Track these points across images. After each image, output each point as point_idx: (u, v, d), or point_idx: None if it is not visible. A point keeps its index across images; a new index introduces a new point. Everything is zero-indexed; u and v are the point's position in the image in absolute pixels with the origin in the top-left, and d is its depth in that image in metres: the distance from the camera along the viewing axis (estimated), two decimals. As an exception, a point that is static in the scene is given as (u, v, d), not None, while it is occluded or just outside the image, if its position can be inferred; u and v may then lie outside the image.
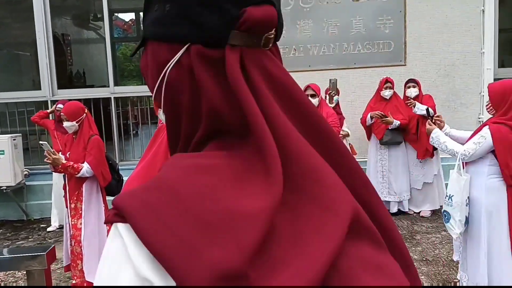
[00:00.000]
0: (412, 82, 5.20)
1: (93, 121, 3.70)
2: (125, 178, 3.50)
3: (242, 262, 0.41)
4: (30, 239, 5.27)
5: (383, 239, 0.50)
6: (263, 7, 0.52)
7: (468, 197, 2.96)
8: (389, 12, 5.84)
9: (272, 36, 0.54)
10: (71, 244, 3.50)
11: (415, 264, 3.46)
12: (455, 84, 5.89)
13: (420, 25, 5.83)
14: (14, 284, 4.02)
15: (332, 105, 4.86)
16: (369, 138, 5.34)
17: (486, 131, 2.85)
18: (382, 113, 4.99)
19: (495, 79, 5.45)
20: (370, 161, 5.32)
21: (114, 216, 0.45)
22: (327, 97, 4.99)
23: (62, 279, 4.01)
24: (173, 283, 0.41)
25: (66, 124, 3.52)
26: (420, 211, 5.30)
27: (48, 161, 3.36)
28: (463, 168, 2.97)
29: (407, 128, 5.10)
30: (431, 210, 5.25)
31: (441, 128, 3.26)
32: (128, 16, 11.71)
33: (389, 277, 0.48)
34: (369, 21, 5.86)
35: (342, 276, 0.45)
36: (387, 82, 5.16)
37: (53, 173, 4.05)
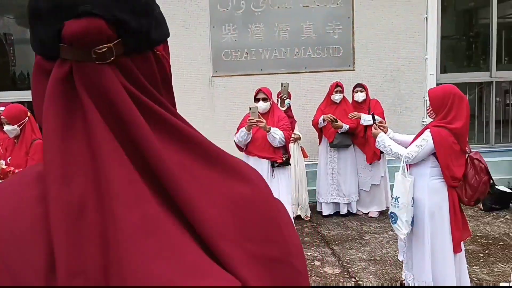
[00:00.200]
0: (359, 86, 5.35)
1: (37, 125, 3.54)
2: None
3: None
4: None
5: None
6: (82, 20, 0.50)
7: (413, 198, 3.07)
8: (338, 18, 5.99)
9: (105, 49, 0.51)
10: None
11: (363, 263, 3.56)
12: (401, 88, 6.12)
13: (368, 32, 6.01)
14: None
15: (284, 109, 4.92)
16: (320, 141, 5.44)
17: (427, 134, 2.97)
18: (334, 117, 5.09)
19: (437, 84, 5.71)
20: (321, 163, 5.42)
21: None
22: (279, 100, 5.04)
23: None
24: None
25: (6, 128, 3.35)
26: (368, 212, 5.45)
27: (-14, 167, 3.18)
28: (407, 170, 3.09)
29: (355, 131, 5.24)
30: (378, 211, 5.42)
31: (385, 132, 3.37)
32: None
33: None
34: (319, 27, 5.97)
35: None
36: (337, 86, 5.27)
37: (-8, 180, 3.83)
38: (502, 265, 4.00)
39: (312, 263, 4.18)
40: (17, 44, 9.32)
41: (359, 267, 4.06)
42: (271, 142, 4.24)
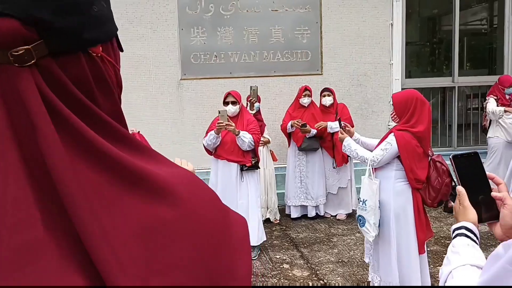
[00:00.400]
0: (327, 91, 5.42)
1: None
2: None
3: None
4: None
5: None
6: None
7: (379, 201, 3.13)
8: (306, 23, 6.05)
9: (22, 52, 0.48)
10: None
11: (331, 266, 3.59)
12: (367, 93, 6.24)
13: (335, 37, 6.10)
14: None
15: (253, 112, 4.92)
16: (289, 144, 5.47)
17: (391, 138, 3.04)
18: (302, 122, 5.13)
19: (402, 89, 5.85)
20: (289, 167, 5.46)
21: None
22: (248, 104, 5.05)
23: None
24: None
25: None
26: (336, 214, 5.52)
27: None
28: (373, 173, 3.14)
29: (323, 135, 5.30)
30: (346, 214, 5.50)
31: (351, 135, 3.43)
32: None
33: None
34: (288, 31, 6.02)
35: None
36: (306, 90, 5.32)
37: None
38: (464, 265, 4.12)
39: (281, 266, 4.19)
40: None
41: (327, 269, 4.10)
42: (240, 146, 4.23)
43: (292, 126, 5.21)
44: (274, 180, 5.42)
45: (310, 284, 3.84)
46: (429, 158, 3.10)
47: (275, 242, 4.81)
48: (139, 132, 3.52)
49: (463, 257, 1.00)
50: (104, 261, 0.44)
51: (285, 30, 6.02)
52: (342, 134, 3.37)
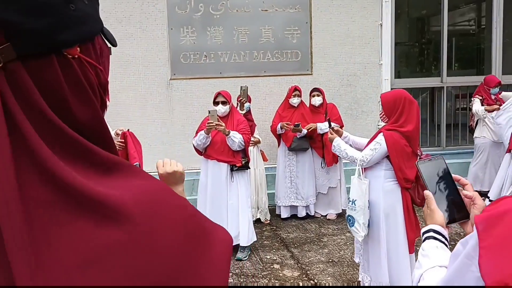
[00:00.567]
0: (316, 91, 5.43)
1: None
2: None
3: None
4: None
5: None
6: None
7: (369, 201, 3.14)
8: (296, 23, 6.06)
9: None
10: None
11: (322, 265, 3.59)
12: (357, 93, 6.26)
13: (325, 37, 6.11)
14: None
15: (243, 112, 4.91)
16: (279, 144, 5.47)
17: (380, 138, 3.05)
18: (292, 126, 5.13)
19: (392, 89, 5.88)
20: (279, 167, 5.46)
21: None
22: (238, 104, 5.03)
23: None
24: None
25: None
26: (326, 214, 5.53)
27: None
28: (363, 173, 3.15)
29: (313, 135, 5.31)
30: (336, 214, 5.51)
31: (340, 135, 3.43)
32: None
33: None
34: (278, 31, 6.02)
35: None
36: (295, 91, 5.32)
37: None
38: (453, 264, 4.15)
39: (272, 267, 4.19)
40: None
41: (318, 269, 4.11)
42: (230, 146, 4.22)
43: (281, 128, 5.21)
44: (265, 180, 5.42)
45: (301, 284, 3.84)
46: (418, 157, 3.12)
47: (265, 242, 4.80)
48: (128, 130, 3.49)
49: (432, 259, 1.04)
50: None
51: (275, 30, 6.01)
52: (331, 134, 3.38)
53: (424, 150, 3.51)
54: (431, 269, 1.03)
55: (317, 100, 5.36)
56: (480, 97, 5.78)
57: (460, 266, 0.79)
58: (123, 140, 3.31)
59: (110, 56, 0.65)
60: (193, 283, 0.50)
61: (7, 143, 0.45)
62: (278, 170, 5.47)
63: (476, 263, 0.74)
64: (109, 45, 0.65)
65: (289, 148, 5.27)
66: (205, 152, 4.38)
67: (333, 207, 5.52)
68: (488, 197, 4.87)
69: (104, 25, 0.61)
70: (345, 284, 3.80)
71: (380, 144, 3.03)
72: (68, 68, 0.52)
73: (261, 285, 3.85)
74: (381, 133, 3.07)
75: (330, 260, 4.28)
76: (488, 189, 5.27)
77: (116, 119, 5.30)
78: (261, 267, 4.19)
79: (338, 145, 3.28)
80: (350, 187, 3.28)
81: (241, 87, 5.04)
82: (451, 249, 0.95)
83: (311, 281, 3.88)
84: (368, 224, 3.16)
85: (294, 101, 5.31)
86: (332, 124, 3.63)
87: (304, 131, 5.17)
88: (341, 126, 5.12)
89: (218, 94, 4.40)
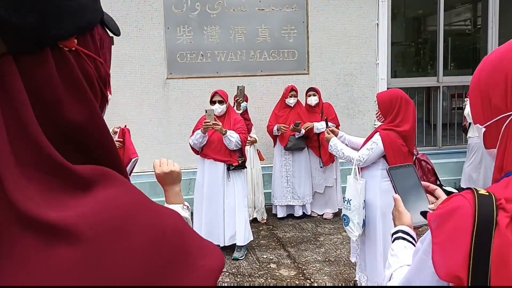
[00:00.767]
0: (312, 90, 5.43)
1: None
2: None
3: None
4: None
5: None
6: None
7: (364, 200, 3.14)
8: (293, 23, 6.06)
9: None
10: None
11: (318, 265, 3.59)
12: (353, 92, 6.27)
13: (321, 36, 6.12)
14: None
15: (240, 112, 4.91)
16: (275, 143, 5.47)
17: (377, 137, 3.05)
18: (288, 128, 5.13)
19: (388, 88, 5.89)
20: (275, 166, 5.46)
21: None
22: (235, 103, 5.03)
23: None
24: None
25: None
26: (323, 214, 5.53)
27: None
28: (359, 173, 3.15)
29: (309, 135, 5.31)
30: (333, 213, 5.52)
31: (336, 135, 3.44)
32: None
33: None
34: (275, 31, 6.02)
35: None
36: (292, 91, 5.32)
37: None
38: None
39: (268, 266, 4.19)
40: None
41: (314, 268, 4.11)
42: (227, 145, 4.22)
43: (278, 130, 5.21)
44: (261, 180, 5.42)
45: (297, 284, 3.85)
46: (414, 157, 3.13)
47: (262, 241, 4.80)
48: (125, 126, 3.49)
49: (401, 258, 1.09)
50: None
51: (272, 29, 6.01)
52: (328, 134, 3.38)
53: (420, 150, 3.52)
54: (400, 268, 1.07)
55: (313, 100, 5.37)
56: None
57: (419, 262, 0.83)
58: (122, 140, 3.31)
59: (112, 46, 0.61)
60: None
61: None
62: (275, 170, 5.47)
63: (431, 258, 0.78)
64: (111, 34, 0.61)
65: (285, 147, 5.28)
66: (201, 151, 4.37)
67: (330, 207, 5.53)
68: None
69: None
70: (342, 284, 3.81)
71: (377, 144, 3.03)
72: (64, 62, 0.48)
73: (258, 284, 3.85)
74: (378, 133, 3.07)
75: (327, 260, 4.29)
76: (483, 189, 5.28)
77: (112, 118, 5.28)
78: (257, 266, 4.19)
79: (335, 145, 3.29)
80: (345, 186, 3.29)
81: (238, 86, 5.04)
82: None
83: (308, 281, 3.89)
84: (364, 224, 3.17)
85: (291, 101, 5.31)
86: (329, 123, 3.63)
87: (303, 131, 5.17)
88: (337, 126, 5.13)
89: (215, 93, 4.40)
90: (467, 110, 5.76)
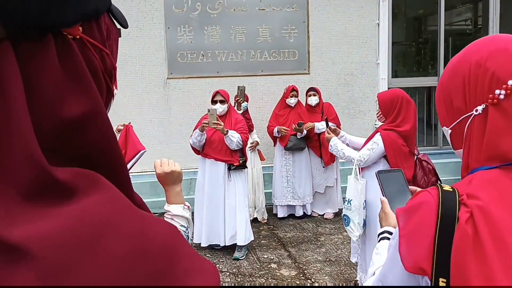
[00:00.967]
0: (312, 90, 5.43)
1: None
2: None
3: None
4: None
5: None
6: None
7: (365, 201, 3.14)
8: (294, 22, 6.05)
9: None
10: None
11: (319, 265, 3.58)
12: (354, 92, 6.26)
13: (322, 36, 6.11)
14: None
15: (240, 112, 4.91)
16: (275, 144, 5.47)
17: (378, 137, 3.05)
18: (288, 130, 5.13)
19: (389, 88, 5.89)
20: (276, 166, 5.45)
21: None
22: (236, 103, 5.03)
23: None
24: None
25: None
26: (324, 214, 5.53)
27: None
28: (360, 173, 3.15)
29: (310, 135, 5.31)
30: (333, 213, 5.51)
31: (337, 134, 3.43)
32: None
33: None
34: (275, 30, 6.01)
35: None
36: (293, 91, 5.32)
37: None
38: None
39: (269, 266, 4.19)
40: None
41: (315, 268, 4.11)
42: (229, 145, 4.22)
43: (278, 132, 5.21)
44: (262, 180, 5.42)
45: (298, 284, 3.84)
46: (415, 157, 3.12)
47: (262, 241, 4.80)
48: (129, 123, 3.49)
49: (384, 257, 1.12)
50: None
51: (273, 29, 6.01)
52: (328, 134, 3.38)
53: (421, 150, 3.51)
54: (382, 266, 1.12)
55: (313, 100, 5.36)
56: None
57: (391, 257, 0.86)
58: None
59: (120, 39, 0.57)
60: None
61: None
62: (275, 170, 5.46)
63: None
64: (118, 26, 0.57)
65: (285, 147, 5.27)
66: (202, 150, 4.37)
67: (331, 206, 5.52)
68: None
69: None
70: (342, 284, 3.81)
71: (378, 144, 3.03)
72: (67, 51, 0.44)
73: (258, 284, 3.85)
74: (378, 133, 3.07)
75: (327, 259, 4.28)
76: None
77: (112, 118, 5.22)
78: (258, 266, 4.19)
79: (335, 144, 3.28)
80: (346, 186, 3.29)
81: (238, 86, 5.04)
82: None
83: (308, 281, 3.88)
84: (365, 224, 3.17)
85: (291, 101, 5.31)
86: (329, 123, 3.63)
87: (304, 131, 5.17)
88: (338, 126, 5.12)
89: (217, 93, 4.40)
90: None
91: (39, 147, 0.40)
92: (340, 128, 4.18)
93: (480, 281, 0.71)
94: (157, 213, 4.71)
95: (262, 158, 5.44)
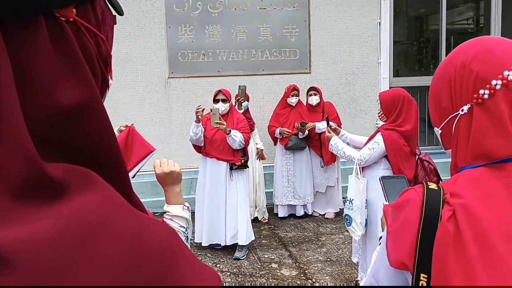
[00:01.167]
0: (313, 90, 5.41)
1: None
2: None
3: None
4: None
5: None
6: None
7: (366, 200, 3.13)
8: (295, 21, 6.04)
9: None
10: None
11: (320, 265, 3.57)
12: (355, 92, 6.25)
13: (323, 35, 6.10)
14: None
15: (241, 111, 4.90)
16: (275, 143, 5.46)
17: (379, 137, 3.04)
18: (290, 132, 5.13)
19: (390, 87, 5.87)
20: (277, 166, 5.44)
21: None
22: (236, 103, 5.02)
23: None
24: None
25: None
26: (325, 213, 5.52)
27: None
28: (361, 172, 3.14)
29: (310, 134, 5.30)
30: (334, 212, 5.50)
31: (338, 134, 3.42)
32: None
33: None
34: (276, 29, 6.00)
35: None
36: (293, 90, 5.31)
37: None
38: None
39: (270, 266, 4.18)
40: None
41: (316, 268, 4.10)
42: (231, 145, 4.21)
43: (280, 133, 5.20)
44: (263, 179, 5.41)
45: (299, 284, 3.83)
46: (417, 157, 3.11)
47: (263, 241, 4.79)
48: (132, 125, 3.47)
49: None
50: None
51: (274, 28, 6.00)
52: (329, 133, 3.37)
53: (423, 149, 3.49)
54: None
55: (314, 100, 5.35)
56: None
57: (381, 253, 0.88)
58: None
59: (113, 45, 0.54)
60: None
61: None
62: (276, 169, 5.45)
63: None
64: (114, 13, 0.54)
65: (286, 147, 5.26)
66: (204, 149, 4.36)
67: (332, 206, 5.51)
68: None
69: None
70: (343, 284, 3.80)
71: (378, 144, 3.02)
72: (61, 34, 0.41)
73: (259, 284, 3.84)
74: (379, 133, 3.06)
75: (328, 259, 4.27)
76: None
77: (113, 118, 5.23)
78: (259, 266, 4.18)
79: (336, 144, 3.27)
80: (346, 186, 3.28)
81: (239, 86, 5.03)
82: None
83: (309, 281, 3.87)
84: (366, 224, 3.16)
85: (292, 100, 5.29)
86: (330, 122, 3.62)
87: (306, 132, 5.16)
88: (339, 125, 5.11)
89: (219, 91, 4.40)
90: None
91: (31, 139, 0.37)
92: (341, 127, 4.17)
93: (460, 278, 0.72)
94: (158, 213, 4.70)
95: (263, 158, 5.44)
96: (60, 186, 0.38)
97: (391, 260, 0.82)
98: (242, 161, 4.33)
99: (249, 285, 3.85)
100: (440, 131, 0.93)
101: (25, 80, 0.38)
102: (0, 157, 0.35)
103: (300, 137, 5.18)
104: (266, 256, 4.40)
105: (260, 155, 5.28)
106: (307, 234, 4.96)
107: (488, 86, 0.79)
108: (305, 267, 4.13)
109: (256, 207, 5.34)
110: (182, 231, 1.41)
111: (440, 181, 3.17)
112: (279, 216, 5.45)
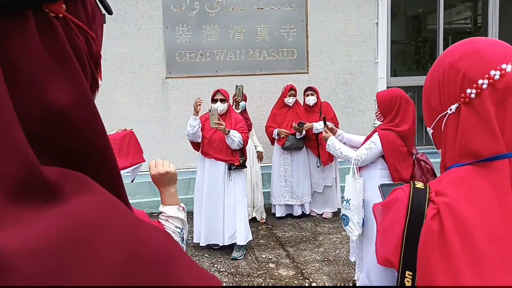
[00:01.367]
0: (310, 90, 5.41)
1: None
2: None
3: None
4: None
5: None
6: None
7: (363, 200, 3.13)
8: (292, 21, 6.04)
9: None
10: None
11: (317, 264, 3.57)
12: (353, 91, 6.25)
13: (321, 35, 6.10)
14: None
15: (238, 111, 4.90)
16: (272, 143, 5.46)
17: (376, 137, 3.05)
18: (288, 133, 5.13)
19: (388, 87, 5.88)
20: (274, 165, 5.44)
21: None
22: (234, 103, 5.02)
23: None
24: None
25: None
26: (322, 213, 5.52)
27: None
28: (358, 172, 3.14)
29: (308, 135, 5.30)
30: (332, 212, 5.50)
31: (334, 133, 3.43)
32: None
33: None
34: (274, 29, 6.00)
35: None
36: (291, 90, 5.31)
37: None
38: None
39: (267, 266, 4.18)
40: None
41: (313, 268, 4.10)
42: (230, 145, 4.21)
43: (278, 134, 5.21)
44: (260, 179, 5.41)
45: (296, 283, 3.84)
46: (414, 157, 3.12)
47: (261, 241, 4.79)
48: (131, 130, 3.46)
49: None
50: None
51: (271, 28, 6.00)
52: (326, 133, 3.37)
53: (420, 149, 3.50)
54: None
55: (311, 100, 5.34)
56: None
57: (373, 253, 0.90)
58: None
59: (104, 25, 0.53)
60: None
61: None
62: (273, 169, 5.46)
63: None
64: (103, 12, 0.52)
65: (283, 147, 5.26)
66: (202, 148, 4.36)
67: (329, 206, 5.51)
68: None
69: None
70: (341, 283, 3.80)
71: (375, 144, 3.03)
72: (50, 30, 0.39)
73: (257, 284, 3.84)
74: (376, 133, 3.06)
75: (326, 259, 4.28)
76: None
77: (111, 118, 5.27)
78: (256, 266, 4.18)
79: (333, 144, 3.28)
80: (344, 185, 3.28)
81: (237, 85, 5.03)
82: None
83: (307, 280, 3.88)
84: (363, 223, 3.16)
85: (290, 100, 5.29)
86: (327, 122, 3.62)
87: (303, 132, 5.16)
88: (336, 125, 5.11)
89: (217, 91, 4.40)
90: None
91: (25, 137, 0.35)
92: (338, 127, 4.17)
93: (445, 276, 0.73)
94: (155, 213, 4.70)
95: (261, 157, 5.44)
96: (55, 189, 0.37)
97: (379, 257, 0.84)
98: (241, 161, 4.33)
99: (246, 285, 3.85)
100: (431, 131, 0.94)
101: (15, 76, 0.36)
102: None
103: (298, 137, 5.19)
104: (264, 256, 4.40)
105: (261, 158, 5.29)
106: (304, 234, 4.96)
107: (475, 85, 0.80)
108: (302, 266, 4.14)
109: (254, 207, 5.34)
110: (178, 232, 1.41)
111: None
112: (276, 216, 5.45)
